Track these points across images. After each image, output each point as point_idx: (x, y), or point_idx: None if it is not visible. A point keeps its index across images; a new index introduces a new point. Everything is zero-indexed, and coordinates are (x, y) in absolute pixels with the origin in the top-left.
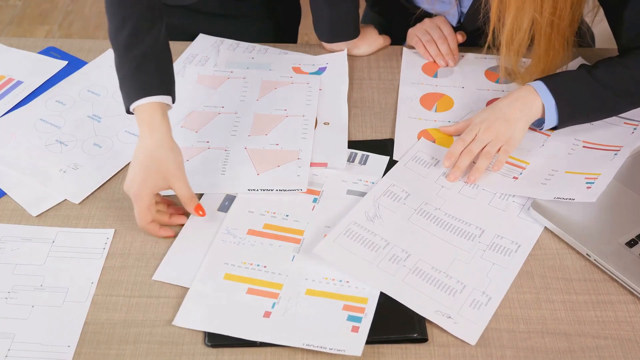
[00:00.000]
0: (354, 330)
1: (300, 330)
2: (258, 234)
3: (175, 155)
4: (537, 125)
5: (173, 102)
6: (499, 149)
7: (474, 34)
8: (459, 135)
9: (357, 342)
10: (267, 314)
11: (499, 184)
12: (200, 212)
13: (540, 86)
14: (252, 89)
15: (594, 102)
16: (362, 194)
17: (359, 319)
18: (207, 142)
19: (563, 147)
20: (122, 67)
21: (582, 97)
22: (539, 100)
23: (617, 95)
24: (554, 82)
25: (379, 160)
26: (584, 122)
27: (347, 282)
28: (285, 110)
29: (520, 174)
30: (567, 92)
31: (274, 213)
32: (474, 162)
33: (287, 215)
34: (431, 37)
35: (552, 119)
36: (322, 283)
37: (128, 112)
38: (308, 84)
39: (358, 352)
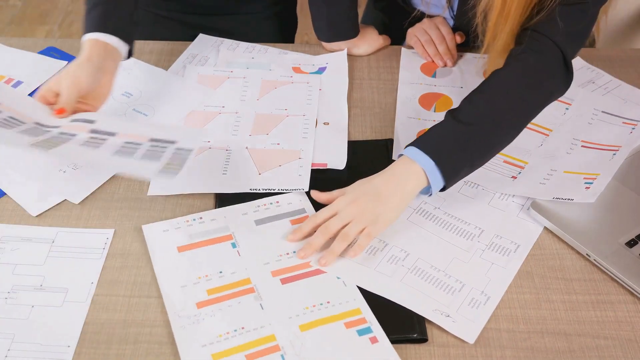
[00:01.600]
0: (374, 342)
1: None
2: (209, 303)
3: (91, 75)
4: (424, 193)
5: (129, 53)
6: (362, 230)
7: (471, 34)
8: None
9: (386, 350)
10: None
11: (498, 183)
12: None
13: (414, 152)
14: (252, 89)
15: (471, 145)
16: (272, 218)
17: (369, 330)
18: (208, 141)
19: (562, 147)
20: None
21: (456, 145)
22: (415, 165)
23: (489, 128)
24: (424, 141)
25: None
26: (472, 171)
27: (328, 302)
28: (286, 109)
29: (519, 173)
30: (440, 145)
31: (207, 276)
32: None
33: (220, 272)
34: (430, 37)
35: (437, 180)
36: (307, 313)
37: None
38: (308, 83)
39: (396, 357)
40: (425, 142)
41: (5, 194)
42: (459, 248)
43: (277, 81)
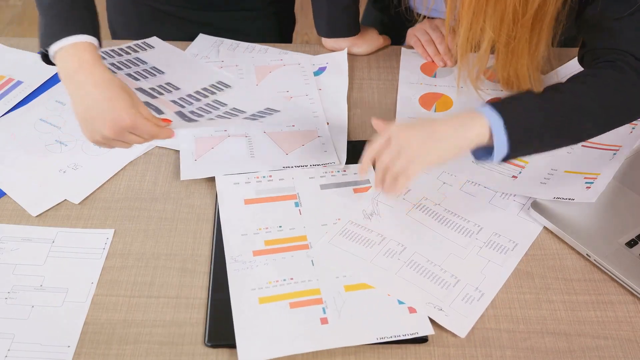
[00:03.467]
0: (412, 312)
1: (365, 327)
2: (264, 253)
3: (128, 89)
4: (484, 155)
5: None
6: (405, 167)
7: None
8: None
9: (422, 321)
10: (324, 321)
11: (498, 183)
12: (171, 135)
13: (485, 108)
14: (248, 76)
15: (546, 117)
16: (337, 185)
17: None
18: (225, 130)
19: None
20: (54, 6)
21: (533, 115)
22: (482, 119)
23: (570, 109)
24: (501, 102)
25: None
26: (542, 148)
27: None
28: (288, 91)
29: (520, 172)
30: (516, 109)
31: (267, 228)
32: None
33: (280, 227)
34: (430, 37)
35: (501, 141)
36: (354, 277)
37: (45, 56)
38: (299, 64)
39: (430, 330)
40: (498, 103)
41: (5, 194)
42: (456, 244)
43: (269, 65)
